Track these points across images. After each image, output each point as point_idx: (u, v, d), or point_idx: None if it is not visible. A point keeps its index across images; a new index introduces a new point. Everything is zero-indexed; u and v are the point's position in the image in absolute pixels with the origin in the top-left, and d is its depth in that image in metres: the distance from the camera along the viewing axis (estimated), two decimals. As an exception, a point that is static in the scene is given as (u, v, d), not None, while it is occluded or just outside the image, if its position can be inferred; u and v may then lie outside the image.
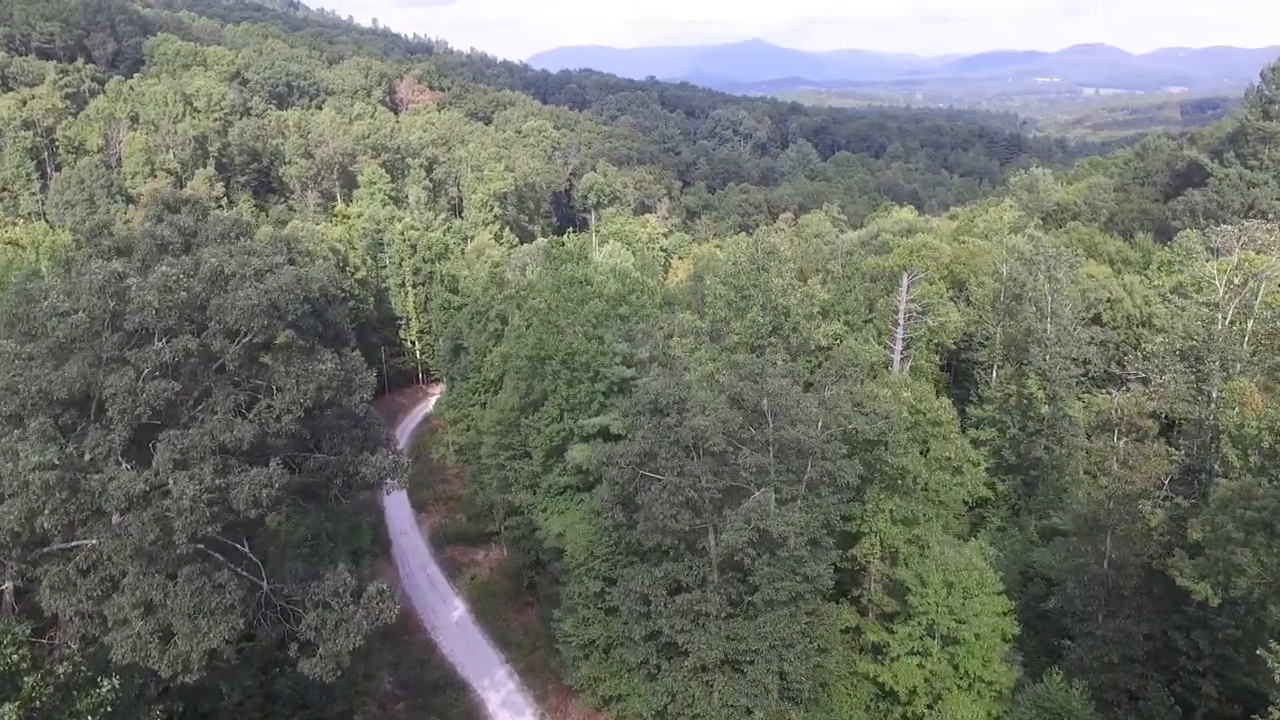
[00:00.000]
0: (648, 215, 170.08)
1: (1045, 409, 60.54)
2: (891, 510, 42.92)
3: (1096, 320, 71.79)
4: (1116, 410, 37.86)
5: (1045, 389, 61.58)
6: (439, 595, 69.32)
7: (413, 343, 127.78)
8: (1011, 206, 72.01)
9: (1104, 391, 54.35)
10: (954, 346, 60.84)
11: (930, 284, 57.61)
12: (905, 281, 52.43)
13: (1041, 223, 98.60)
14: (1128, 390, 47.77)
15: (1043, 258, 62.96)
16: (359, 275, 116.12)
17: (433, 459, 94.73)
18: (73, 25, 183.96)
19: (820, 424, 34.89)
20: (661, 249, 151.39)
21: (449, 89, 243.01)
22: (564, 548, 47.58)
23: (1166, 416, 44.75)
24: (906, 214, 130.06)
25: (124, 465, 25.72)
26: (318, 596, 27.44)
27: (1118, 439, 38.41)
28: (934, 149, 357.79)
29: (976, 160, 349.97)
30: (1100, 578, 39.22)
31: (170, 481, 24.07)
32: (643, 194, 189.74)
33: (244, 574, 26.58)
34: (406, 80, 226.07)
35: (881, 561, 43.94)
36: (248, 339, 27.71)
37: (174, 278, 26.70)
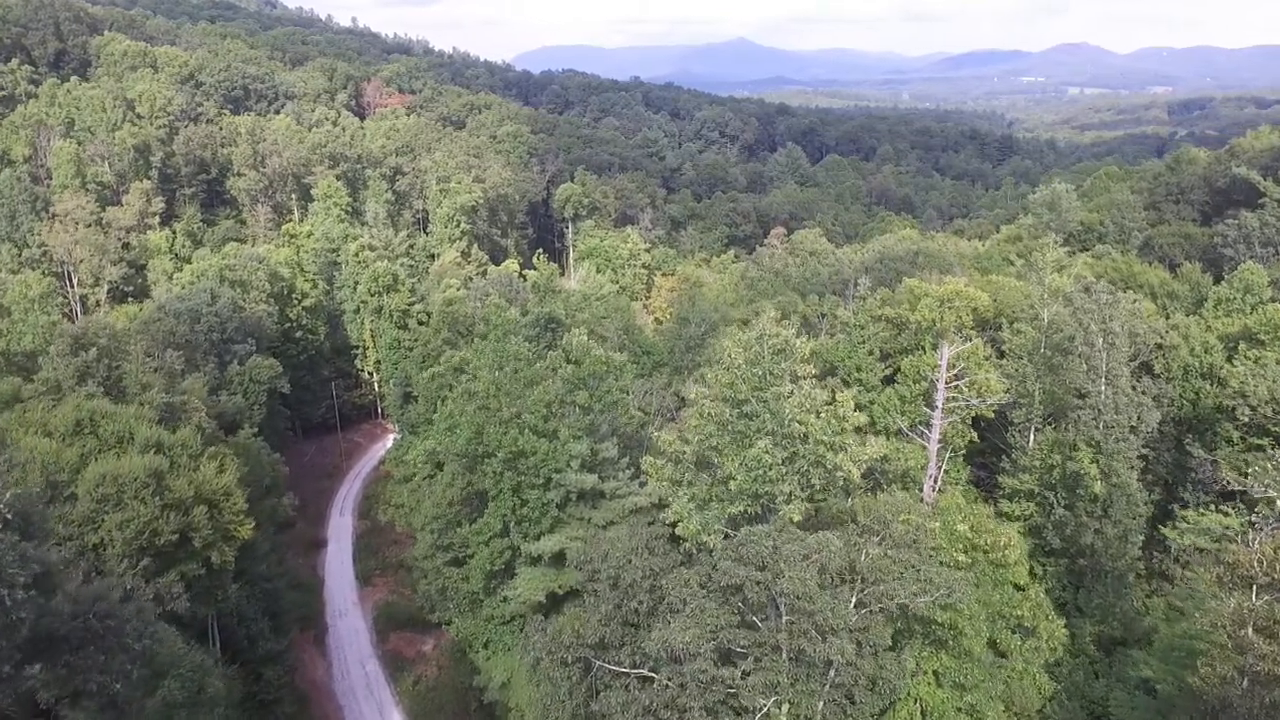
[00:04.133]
0: (629, 228, 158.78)
1: (1098, 487, 50.47)
2: (937, 672, 32.31)
3: (1147, 370, 61.72)
4: (1258, 560, 27.63)
5: (1099, 463, 51.48)
6: (374, 704, 58.26)
7: (370, 373, 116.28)
8: (1053, 244, 61.40)
9: (1218, 510, 43.71)
10: (991, 415, 50.32)
11: (965, 340, 46.86)
12: (944, 352, 41.54)
13: (1064, 244, 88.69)
14: (1248, 511, 37.23)
15: (1095, 305, 52.69)
16: (307, 303, 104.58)
17: (382, 520, 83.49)
18: (10, 22, 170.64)
19: (855, 600, 24.19)
20: (644, 266, 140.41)
21: (420, 91, 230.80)
22: (508, 703, 36.72)
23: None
24: (909, 231, 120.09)
25: None
26: None
27: (1255, 597, 28.00)
28: (924, 151, 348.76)
29: (968, 163, 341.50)
30: (1230, 783, 28.67)
31: None
32: (624, 204, 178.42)
33: None
34: (374, 83, 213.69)
35: (924, 736, 33.32)
36: None
37: None
